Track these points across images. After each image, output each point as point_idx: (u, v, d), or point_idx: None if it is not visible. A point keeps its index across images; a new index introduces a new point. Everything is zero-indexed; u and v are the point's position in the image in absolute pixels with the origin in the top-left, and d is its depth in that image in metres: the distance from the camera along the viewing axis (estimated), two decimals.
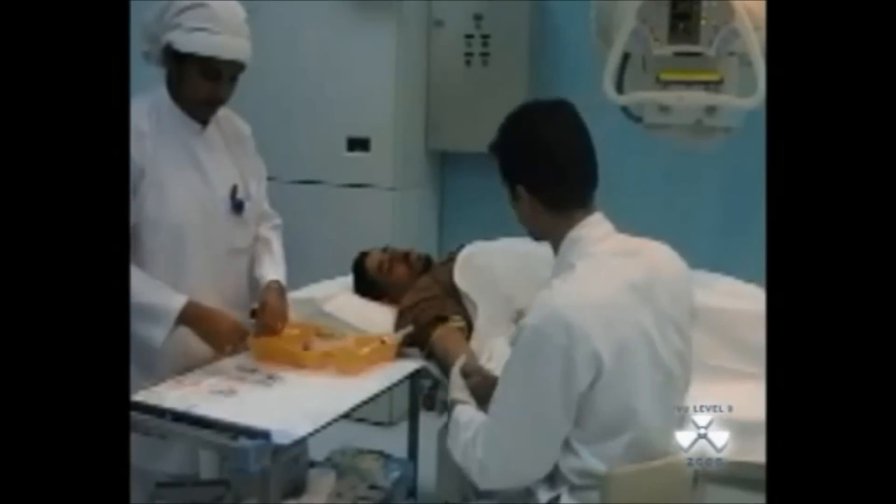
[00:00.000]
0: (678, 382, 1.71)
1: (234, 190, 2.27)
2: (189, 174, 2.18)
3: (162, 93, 2.18)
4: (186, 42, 2.05)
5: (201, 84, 2.11)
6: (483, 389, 1.84)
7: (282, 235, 2.48)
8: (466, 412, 1.79)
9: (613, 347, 1.57)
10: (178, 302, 2.08)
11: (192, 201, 2.18)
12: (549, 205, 1.72)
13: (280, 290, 2.31)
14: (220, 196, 2.25)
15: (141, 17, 2.01)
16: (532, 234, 1.81)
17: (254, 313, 2.28)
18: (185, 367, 2.14)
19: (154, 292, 2.07)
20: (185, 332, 2.12)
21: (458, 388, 1.89)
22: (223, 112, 2.27)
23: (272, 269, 2.35)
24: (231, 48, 2.08)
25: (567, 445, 1.63)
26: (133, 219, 2.08)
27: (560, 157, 1.71)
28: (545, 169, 1.71)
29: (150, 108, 2.15)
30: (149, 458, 2.12)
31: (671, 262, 1.75)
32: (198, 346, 2.15)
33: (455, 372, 1.94)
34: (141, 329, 2.04)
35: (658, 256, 1.74)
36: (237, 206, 2.28)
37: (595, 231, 1.71)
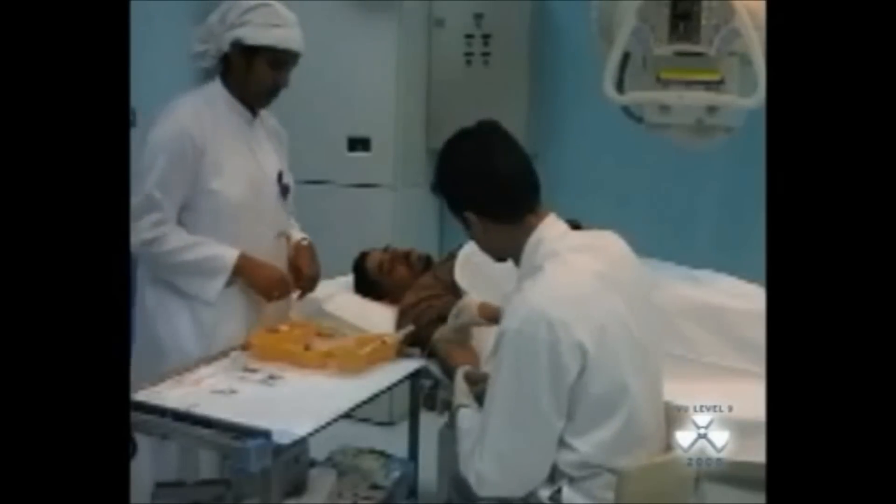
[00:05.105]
0: (655, 359, 1.76)
1: (280, 175, 2.47)
2: (244, 156, 2.38)
3: (215, 87, 2.39)
4: (258, 36, 2.29)
5: (268, 73, 2.34)
6: None
7: None
8: (468, 419, 1.80)
9: (594, 335, 1.61)
10: (232, 253, 2.30)
11: (247, 181, 2.36)
12: (501, 221, 1.76)
13: (310, 246, 2.54)
14: (271, 179, 2.44)
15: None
16: (493, 256, 1.86)
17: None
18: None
19: (208, 248, 2.29)
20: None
21: (462, 393, 1.90)
22: (263, 111, 2.48)
23: (295, 230, 2.58)
24: (297, 40, 2.35)
25: (561, 442, 1.65)
26: (190, 191, 2.29)
27: (497, 174, 1.75)
28: (486, 190, 1.75)
29: (205, 99, 2.36)
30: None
31: (623, 248, 1.81)
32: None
33: (459, 378, 1.95)
34: (195, 284, 2.30)
35: (611, 245, 1.81)
36: (284, 190, 2.48)
37: (553, 231, 1.76)
